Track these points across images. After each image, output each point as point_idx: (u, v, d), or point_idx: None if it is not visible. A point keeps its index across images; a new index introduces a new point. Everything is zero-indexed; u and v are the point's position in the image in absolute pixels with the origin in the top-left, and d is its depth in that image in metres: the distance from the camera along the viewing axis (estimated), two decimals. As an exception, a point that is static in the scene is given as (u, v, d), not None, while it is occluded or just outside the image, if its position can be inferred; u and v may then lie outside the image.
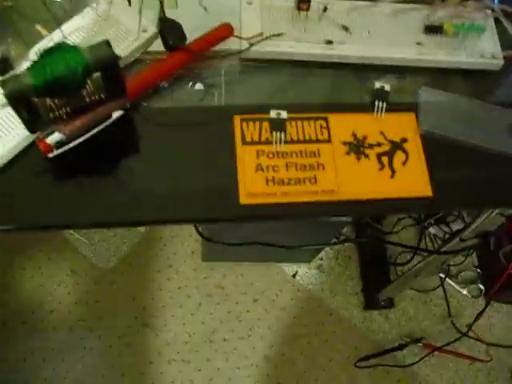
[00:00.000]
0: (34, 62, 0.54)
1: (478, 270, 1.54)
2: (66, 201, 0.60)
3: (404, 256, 1.48)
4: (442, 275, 1.50)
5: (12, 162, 0.60)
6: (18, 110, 0.55)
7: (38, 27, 0.65)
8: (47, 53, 0.54)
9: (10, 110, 0.55)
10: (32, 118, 0.57)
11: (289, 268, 1.52)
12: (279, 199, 0.61)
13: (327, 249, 1.53)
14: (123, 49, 0.64)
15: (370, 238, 1.54)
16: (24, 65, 0.62)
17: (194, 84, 0.67)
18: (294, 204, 0.61)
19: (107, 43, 0.54)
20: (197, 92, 0.67)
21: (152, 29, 0.66)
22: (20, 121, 0.56)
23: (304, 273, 1.52)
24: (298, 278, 1.51)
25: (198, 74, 0.67)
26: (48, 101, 0.56)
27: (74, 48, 0.54)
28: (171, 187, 0.61)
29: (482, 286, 1.52)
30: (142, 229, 1.53)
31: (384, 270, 1.50)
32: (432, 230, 1.53)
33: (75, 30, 0.65)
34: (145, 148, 0.63)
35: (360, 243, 1.55)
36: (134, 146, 0.63)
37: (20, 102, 0.54)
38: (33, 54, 0.63)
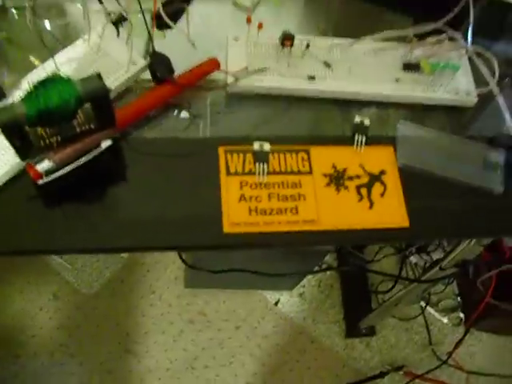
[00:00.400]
0: (28, 93, 0.56)
1: (459, 299, 1.56)
2: (52, 226, 0.61)
3: (385, 284, 1.50)
4: (422, 303, 1.52)
5: (1, 188, 0.61)
6: (10, 138, 0.56)
7: (31, 58, 0.67)
8: (41, 84, 0.56)
9: (1, 138, 0.57)
10: (23, 146, 0.58)
11: (271, 296, 1.53)
12: (262, 228, 0.63)
13: (309, 276, 1.55)
14: (113, 80, 0.66)
15: (351, 267, 1.56)
16: (17, 94, 0.64)
17: (179, 112, 0.69)
18: (276, 233, 0.63)
19: (99, 76, 0.57)
20: (182, 121, 0.69)
21: (141, 62, 0.68)
22: (11, 148, 0.58)
23: (286, 300, 1.53)
24: (280, 305, 1.52)
25: (184, 102, 0.69)
26: (39, 129, 0.58)
27: (67, 80, 0.56)
28: (156, 215, 0.63)
29: (462, 315, 1.54)
30: (124, 254, 1.53)
31: (366, 298, 1.52)
32: (413, 258, 1.55)
33: (67, 61, 0.68)
34: (131, 176, 0.65)
35: (342, 271, 1.57)
36: (121, 174, 0.65)
37: (13, 131, 0.56)
38: (25, 83, 0.65)
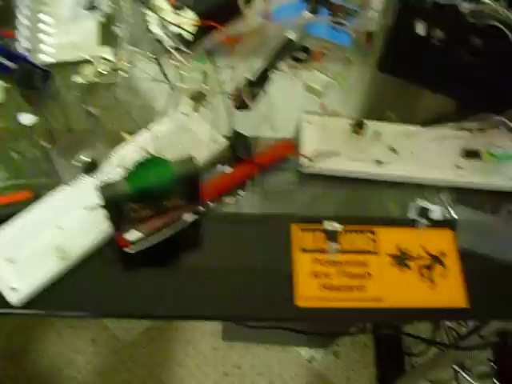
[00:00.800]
0: (130, 172, 0.61)
1: (494, 365, 1.56)
2: (135, 291, 0.66)
3: (420, 347, 1.50)
4: (456, 367, 1.52)
5: (91, 254, 0.67)
6: (108, 211, 0.62)
7: (122, 133, 0.73)
8: (142, 164, 0.62)
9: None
10: (117, 218, 0.64)
11: (305, 352, 1.55)
12: (331, 304, 0.67)
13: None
14: (197, 157, 0.72)
15: (387, 329, 1.57)
16: (109, 168, 0.70)
17: (254, 189, 0.74)
18: (343, 309, 0.67)
19: (192, 159, 0.62)
20: (256, 197, 0.73)
21: (222, 140, 0.74)
22: (106, 219, 0.63)
23: (320, 358, 1.55)
24: (314, 362, 1.54)
25: (258, 180, 0.74)
26: (133, 204, 0.64)
27: (166, 162, 0.62)
28: (231, 286, 0.67)
29: (497, 382, 1.54)
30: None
31: (399, 360, 1.53)
32: (448, 322, 1.56)
33: (152, 137, 0.73)
34: (208, 248, 0.69)
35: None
36: (199, 245, 0.70)
37: (112, 205, 0.61)
38: (117, 157, 0.71)
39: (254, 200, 0.73)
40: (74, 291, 0.65)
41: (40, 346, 1.51)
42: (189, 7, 0.75)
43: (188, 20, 0.76)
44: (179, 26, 0.78)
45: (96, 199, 0.59)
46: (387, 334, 1.57)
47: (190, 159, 0.62)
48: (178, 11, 0.76)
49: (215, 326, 1.54)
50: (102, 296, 0.65)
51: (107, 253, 0.67)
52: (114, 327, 1.54)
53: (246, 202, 0.73)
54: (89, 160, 0.68)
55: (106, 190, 0.60)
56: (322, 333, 1.38)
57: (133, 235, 0.66)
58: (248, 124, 0.77)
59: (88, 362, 1.50)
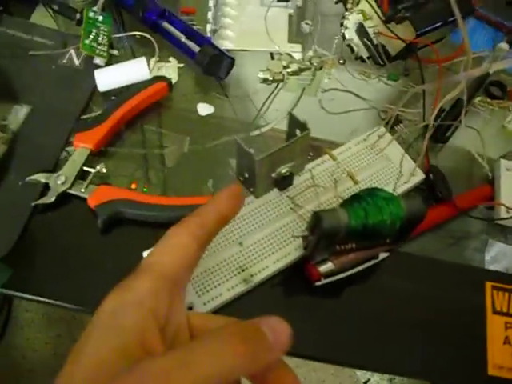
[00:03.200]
0: (353, 203, 0.55)
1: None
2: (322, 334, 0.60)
3: None
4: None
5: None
6: (319, 241, 0.55)
7: (327, 151, 0.66)
8: (367, 196, 0.55)
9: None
10: (320, 249, 0.57)
11: (362, 374, 1.50)
12: (523, 376, 0.61)
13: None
14: (393, 188, 0.65)
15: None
16: (304, 184, 0.64)
17: (439, 233, 0.68)
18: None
19: (422, 199, 0.56)
20: (442, 242, 0.67)
21: (420, 174, 0.67)
22: (308, 247, 0.57)
23: (376, 382, 1.50)
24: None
25: (448, 224, 0.68)
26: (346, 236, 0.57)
27: (396, 199, 0.55)
28: (409, 338, 0.61)
29: None
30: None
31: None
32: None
33: (348, 157, 0.67)
34: (384, 291, 0.63)
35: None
36: (373, 285, 0.63)
37: (326, 236, 0.55)
38: (310, 171, 0.65)
39: (441, 244, 0.67)
40: (247, 315, 0.59)
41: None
42: (409, 21, 0.67)
43: (399, 33, 0.68)
44: (386, 38, 0.70)
45: (287, 220, 0.54)
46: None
47: (420, 199, 0.56)
48: (389, 23, 0.69)
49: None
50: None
51: (288, 279, 0.61)
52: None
53: (430, 245, 0.67)
54: (285, 173, 0.61)
55: (326, 218, 0.53)
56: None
57: (326, 268, 0.60)
58: (442, 159, 0.70)
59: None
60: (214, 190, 0.64)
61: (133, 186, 0.62)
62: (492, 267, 0.66)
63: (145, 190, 0.62)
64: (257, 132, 0.69)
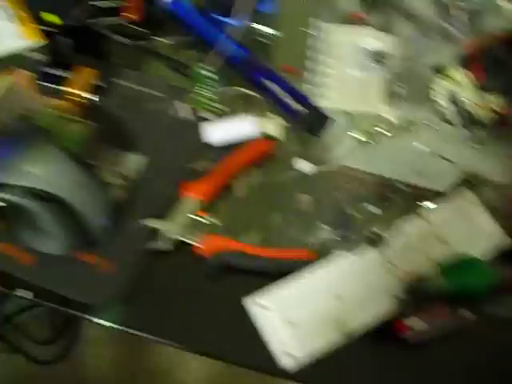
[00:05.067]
0: (447, 269, 0.59)
1: None
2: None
3: None
4: None
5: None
6: (417, 301, 0.59)
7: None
8: (463, 263, 0.59)
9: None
10: (410, 306, 0.61)
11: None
12: None
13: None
14: (477, 251, 0.68)
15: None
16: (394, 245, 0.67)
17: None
18: None
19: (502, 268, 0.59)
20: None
21: (505, 239, 0.70)
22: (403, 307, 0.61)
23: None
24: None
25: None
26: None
27: (487, 268, 0.59)
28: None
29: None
30: None
31: None
32: None
33: (437, 219, 0.70)
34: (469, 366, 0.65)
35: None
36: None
37: (420, 298, 0.58)
38: (402, 232, 0.68)
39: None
40: (341, 368, 0.63)
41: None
42: (500, 92, 0.71)
43: (492, 104, 0.72)
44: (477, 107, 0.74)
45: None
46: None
47: (502, 268, 0.59)
48: (482, 92, 0.73)
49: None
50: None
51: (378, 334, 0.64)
52: None
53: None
54: (379, 233, 0.66)
55: (426, 287, 0.57)
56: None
57: (414, 323, 0.63)
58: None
59: None
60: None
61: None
62: None
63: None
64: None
